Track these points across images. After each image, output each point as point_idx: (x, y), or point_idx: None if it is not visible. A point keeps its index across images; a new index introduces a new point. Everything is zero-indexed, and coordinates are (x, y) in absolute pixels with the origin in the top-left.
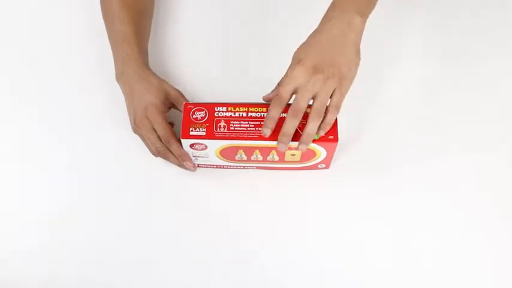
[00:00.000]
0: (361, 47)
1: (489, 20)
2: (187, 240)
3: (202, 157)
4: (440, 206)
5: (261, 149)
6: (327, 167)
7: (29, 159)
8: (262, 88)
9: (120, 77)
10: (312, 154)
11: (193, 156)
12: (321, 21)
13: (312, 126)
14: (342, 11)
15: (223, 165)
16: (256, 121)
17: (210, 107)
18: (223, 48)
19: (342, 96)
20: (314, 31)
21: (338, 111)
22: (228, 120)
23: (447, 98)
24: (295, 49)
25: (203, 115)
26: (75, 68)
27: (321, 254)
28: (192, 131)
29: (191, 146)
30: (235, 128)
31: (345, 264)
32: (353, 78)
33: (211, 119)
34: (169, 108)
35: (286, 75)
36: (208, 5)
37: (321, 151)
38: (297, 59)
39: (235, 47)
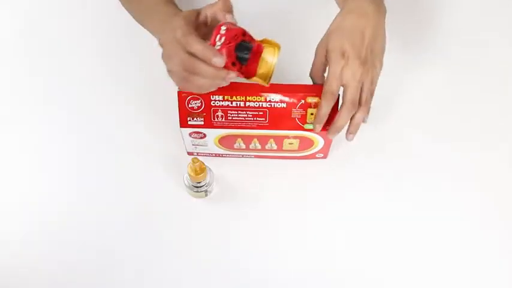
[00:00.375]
0: None
1: (490, 19)
2: (187, 232)
3: (202, 145)
4: (439, 197)
5: (259, 137)
6: (324, 156)
7: (29, 160)
8: None
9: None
10: (309, 143)
11: (193, 145)
12: (350, 5)
13: (361, 116)
14: None
15: (222, 154)
16: (255, 111)
17: (205, 95)
18: None
19: (376, 83)
20: (342, 12)
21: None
22: (225, 110)
23: (448, 92)
24: (327, 33)
25: (199, 104)
26: (75, 68)
27: (318, 244)
28: (190, 120)
29: (190, 134)
30: (233, 118)
31: (343, 254)
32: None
33: (208, 109)
34: (206, 26)
35: (333, 71)
36: None
37: (318, 140)
38: (340, 51)
39: None
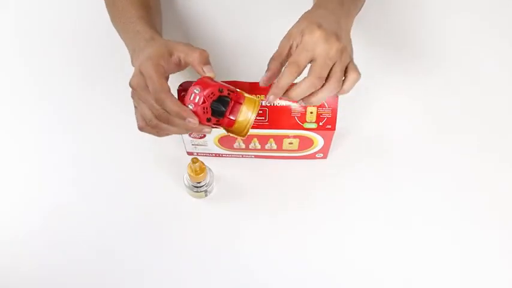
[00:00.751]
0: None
1: (490, 21)
2: (187, 232)
3: (202, 145)
4: (438, 197)
5: (259, 137)
6: (324, 156)
7: (29, 160)
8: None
9: (132, 56)
10: (309, 143)
11: (193, 145)
12: (316, 3)
13: (322, 97)
14: (335, 5)
15: (222, 154)
16: None
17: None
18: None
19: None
20: (314, 7)
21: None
22: None
23: (447, 94)
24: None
25: None
26: (74, 68)
27: (318, 244)
28: None
29: (189, 134)
30: None
31: (342, 254)
32: None
33: None
34: (178, 66)
35: (306, 41)
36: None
37: (318, 140)
38: (316, 23)
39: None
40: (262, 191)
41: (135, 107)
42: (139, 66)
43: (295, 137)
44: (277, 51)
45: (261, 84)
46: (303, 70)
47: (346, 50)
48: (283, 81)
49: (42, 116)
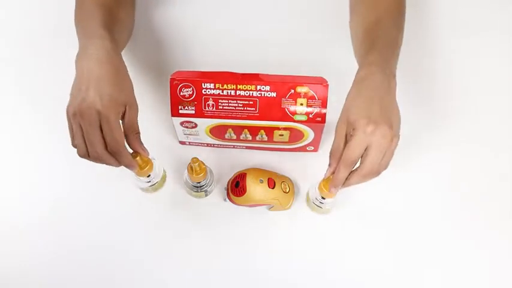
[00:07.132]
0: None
1: (490, 22)
2: (187, 232)
3: (193, 135)
4: (433, 189)
5: (249, 128)
6: (315, 149)
7: (25, 158)
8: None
9: (83, 53)
10: (300, 135)
11: (185, 134)
12: (360, 74)
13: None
14: (379, 67)
15: (213, 144)
16: (245, 100)
17: (197, 82)
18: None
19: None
20: (359, 82)
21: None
22: (216, 99)
23: (439, 85)
24: (344, 108)
25: (190, 92)
26: (70, 65)
27: (310, 238)
28: (181, 109)
29: (181, 123)
30: (224, 108)
31: (333, 247)
32: None
33: (199, 97)
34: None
35: (359, 136)
36: None
37: (308, 132)
38: (366, 117)
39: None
40: None
41: (71, 127)
42: (100, 103)
43: (285, 129)
44: (333, 145)
45: (325, 176)
46: (355, 164)
47: (396, 137)
48: (341, 176)
49: (40, 113)
